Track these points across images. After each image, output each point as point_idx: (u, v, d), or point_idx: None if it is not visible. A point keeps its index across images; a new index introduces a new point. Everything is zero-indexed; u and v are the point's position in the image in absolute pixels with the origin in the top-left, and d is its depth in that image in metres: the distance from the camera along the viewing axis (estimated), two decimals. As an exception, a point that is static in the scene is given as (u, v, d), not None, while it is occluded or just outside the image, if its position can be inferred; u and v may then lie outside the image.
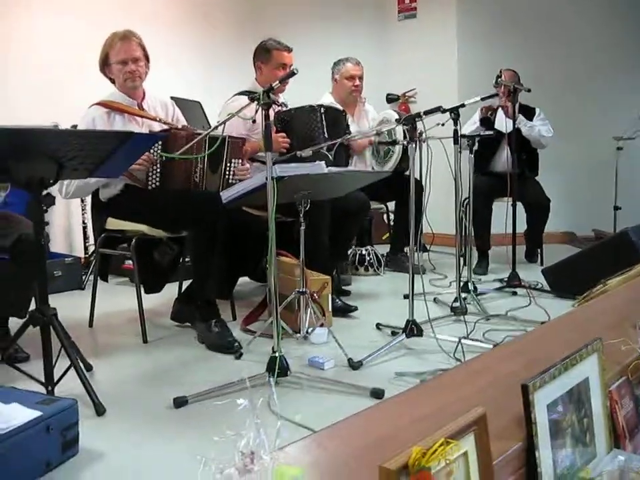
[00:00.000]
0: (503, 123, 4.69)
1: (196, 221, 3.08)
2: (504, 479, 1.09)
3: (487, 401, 1.08)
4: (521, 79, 4.80)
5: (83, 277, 4.63)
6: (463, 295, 3.58)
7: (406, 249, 4.93)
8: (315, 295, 3.18)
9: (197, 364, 2.90)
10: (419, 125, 2.97)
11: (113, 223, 3.35)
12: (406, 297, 3.88)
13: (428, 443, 0.92)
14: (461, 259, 3.70)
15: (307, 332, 3.07)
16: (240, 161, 3.40)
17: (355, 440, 1.09)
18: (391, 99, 6.48)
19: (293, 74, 2.55)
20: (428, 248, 4.96)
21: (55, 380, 2.32)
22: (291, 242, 3.35)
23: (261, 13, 6.19)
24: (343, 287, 4.13)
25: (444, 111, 3.22)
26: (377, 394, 2.35)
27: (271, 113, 3.13)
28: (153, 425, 2.24)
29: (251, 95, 3.84)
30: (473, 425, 1.03)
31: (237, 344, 2.98)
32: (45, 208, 2.45)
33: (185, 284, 3.64)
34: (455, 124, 3.36)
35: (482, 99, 3.52)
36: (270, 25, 5.67)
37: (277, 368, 2.39)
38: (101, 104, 3.30)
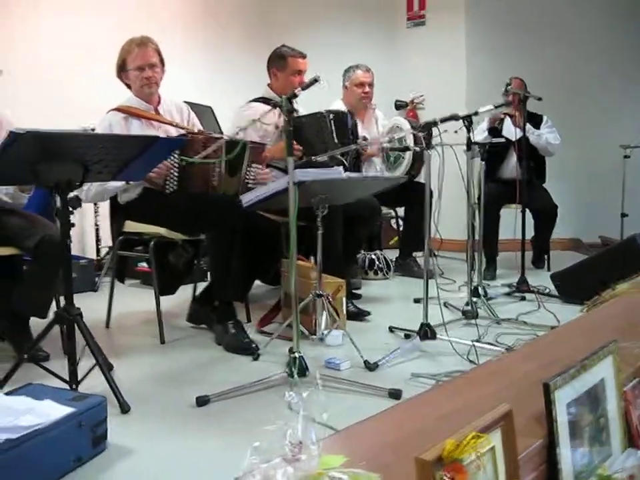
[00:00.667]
0: (510, 130, 4.76)
1: (217, 224, 3.12)
2: (527, 474, 1.14)
3: (508, 400, 1.13)
4: (529, 87, 4.84)
5: (96, 279, 4.70)
6: (474, 299, 3.63)
7: (414, 254, 5.00)
8: (330, 297, 3.24)
9: (215, 365, 2.95)
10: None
11: (130, 226, 3.39)
12: (416, 301, 3.96)
13: (459, 436, 0.98)
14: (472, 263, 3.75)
15: (322, 334, 3.12)
16: (260, 165, 3.45)
17: (389, 433, 1.15)
18: (399, 105, 6.53)
19: (315, 81, 2.59)
20: (436, 253, 5.00)
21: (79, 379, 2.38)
22: (301, 244, 3.40)
23: (271, 20, 6.26)
24: (354, 291, 4.18)
25: (459, 119, 3.28)
26: (395, 394, 2.40)
27: (281, 120, 3.20)
28: (177, 422, 2.29)
29: (265, 101, 3.95)
30: (500, 420, 1.08)
31: (254, 345, 3.04)
32: (71, 210, 2.50)
33: (200, 286, 3.71)
34: (468, 131, 3.43)
35: (495, 107, 3.58)
36: (280, 31, 5.74)
37: (297, 368, 2.44)
38: (118, 109, 3.35)
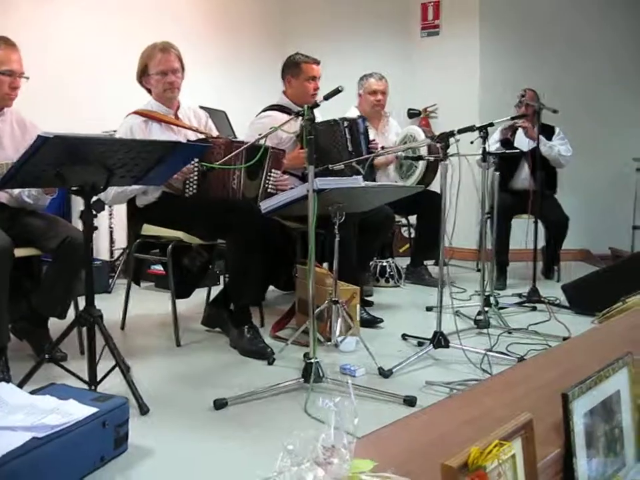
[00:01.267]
0: (522, 141, 4.79)
1: (236, 229, 3.14)
2: (545, 483, 1.17)
3: (525, 409, 1.15)
4: (542, 98, 4.86)
5: (110, 280, 4.74)
6: (485, 308, 3.66)
7: (426, 262, 5.03)
8: (345, 304, 3.28)
9: (230, 368, 2.99)
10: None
11: (148, 229, 3.42)
12: (428, 309, 3.99)
13: (483, 444, 1.02)
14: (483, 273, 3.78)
15: (337, 340, 3.16)
16: (280, 171, 3.49)
17: (414, 439, 1.18)
18: (412, 113, 6.56)
19: (338, 91, 2.61)
20: (447, 262, 5.03)
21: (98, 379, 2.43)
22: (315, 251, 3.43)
23: (287, 28, 6.31)
24: (366, 298, 4.21)
25: (476, 129, 3.32)
26: (410, 402, 2.44)
27: (297, 126, 3.22)
28: (196, 424, 2.33)
29: (280, 108, 3.99)
30: (521, 429, 1.11)
31: (269, 350, 3.07)
32: (94, 213, 2.54)
33: (214, 290, 3.74)
34: (484, 142, 3.47)
35: (511, 119, 3.61)
36: (296, 40, 5.78)
37: (313, 374, 2.48)
38: (138, 113, 3.38)
